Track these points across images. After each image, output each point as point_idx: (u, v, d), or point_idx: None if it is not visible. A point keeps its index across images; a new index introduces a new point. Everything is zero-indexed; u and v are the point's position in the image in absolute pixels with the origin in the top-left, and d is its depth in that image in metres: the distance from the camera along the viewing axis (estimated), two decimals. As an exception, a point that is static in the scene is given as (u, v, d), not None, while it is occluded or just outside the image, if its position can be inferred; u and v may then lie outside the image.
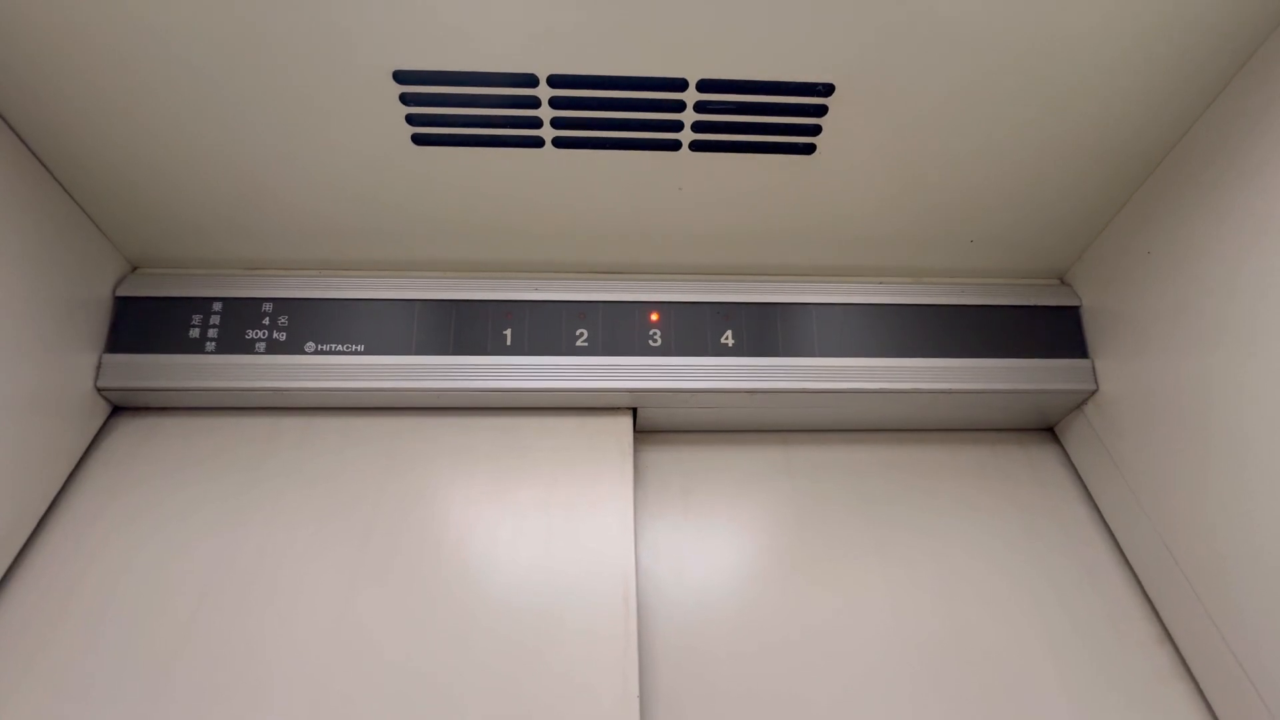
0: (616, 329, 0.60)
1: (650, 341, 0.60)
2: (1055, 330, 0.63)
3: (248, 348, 0.58)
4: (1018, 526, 0.61)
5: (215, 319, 0.59)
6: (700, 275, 0.63)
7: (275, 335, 0.59)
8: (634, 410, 0.62)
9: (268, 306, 0.59)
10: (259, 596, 0.50)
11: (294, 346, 0.58)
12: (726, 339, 0.61)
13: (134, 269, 0.61)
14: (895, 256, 0.63)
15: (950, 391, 0.61)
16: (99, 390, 0.57)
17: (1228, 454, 0.49)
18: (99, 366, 0.57)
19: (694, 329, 0.61)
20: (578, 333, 0.60)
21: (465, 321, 0.60)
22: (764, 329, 0.61)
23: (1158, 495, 0.55)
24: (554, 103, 0.49)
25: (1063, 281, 0.66)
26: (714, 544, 0.59)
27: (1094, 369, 0.62)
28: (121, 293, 0.59)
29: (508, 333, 0.60)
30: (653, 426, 0.64)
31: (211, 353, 0.58)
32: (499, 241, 0.60)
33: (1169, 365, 0.54)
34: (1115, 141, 0.53)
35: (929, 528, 0.61)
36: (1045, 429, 0.68)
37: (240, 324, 0.59)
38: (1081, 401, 0.63)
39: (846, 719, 0.51)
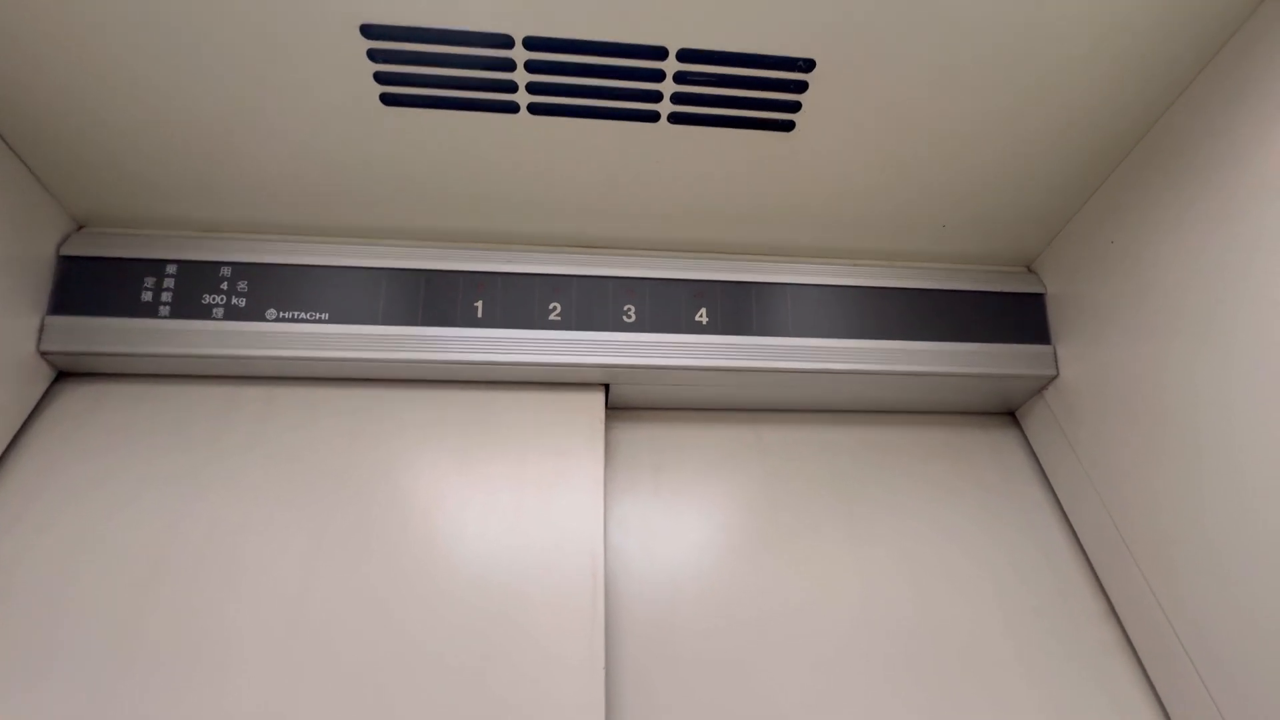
0: (590, 304, 0.60)
1: (624, 317, 0.60)
2: (1020, 316, 0.65)
3: (205, 313, 0.56)
4: (978, 506, 0.63)
5: (169, 282, 0.56)
6: (676, 252, 0.63)
7: (234, 301, 0.56)
8: (606, 386, 0.61)
9: (226, 270, 0.57)
10: (216, 573, 0.49)
11: (254, 313, 0.56)
12: (701, 317, 0.60)
13: (80, 227, 0.58)
14: (869, 238, 0.63)
15: (917, 374, 0.62)
16: (42, 354, 0.54)
17: (1179, 440, 0.51)
18: (41, 329, 0.54)
19: (668, 306, 0.60)
20: (550, 306, 0.59)
21: (435, 292, 0.58)
22: (738, 308, 0.61)
23: (1110, 478, 0.57)
24: (530, 66, 0.47)
25: (1030, 269, 0.67)
26: (683, 521, 0.60)
27: (1055, 355, 0.64)
28: (66, 251, 0.56)
29: (479, 305, 0.58)
30: (625, 403, 0.64)
31: (165, 317, 0.55)
32: (471, 210, 0.58)
33: (1126, 353, 0.56)
34: (1087, 131, 0.54)
35: (894, 507, 0.62)
36: (1007, 413, 0.70)
37: (196, 288, 0.56)
38: (1042, 386, 0.65)
39: (812, 693, 0.52)
